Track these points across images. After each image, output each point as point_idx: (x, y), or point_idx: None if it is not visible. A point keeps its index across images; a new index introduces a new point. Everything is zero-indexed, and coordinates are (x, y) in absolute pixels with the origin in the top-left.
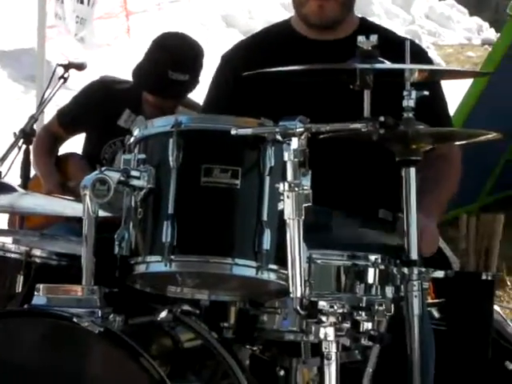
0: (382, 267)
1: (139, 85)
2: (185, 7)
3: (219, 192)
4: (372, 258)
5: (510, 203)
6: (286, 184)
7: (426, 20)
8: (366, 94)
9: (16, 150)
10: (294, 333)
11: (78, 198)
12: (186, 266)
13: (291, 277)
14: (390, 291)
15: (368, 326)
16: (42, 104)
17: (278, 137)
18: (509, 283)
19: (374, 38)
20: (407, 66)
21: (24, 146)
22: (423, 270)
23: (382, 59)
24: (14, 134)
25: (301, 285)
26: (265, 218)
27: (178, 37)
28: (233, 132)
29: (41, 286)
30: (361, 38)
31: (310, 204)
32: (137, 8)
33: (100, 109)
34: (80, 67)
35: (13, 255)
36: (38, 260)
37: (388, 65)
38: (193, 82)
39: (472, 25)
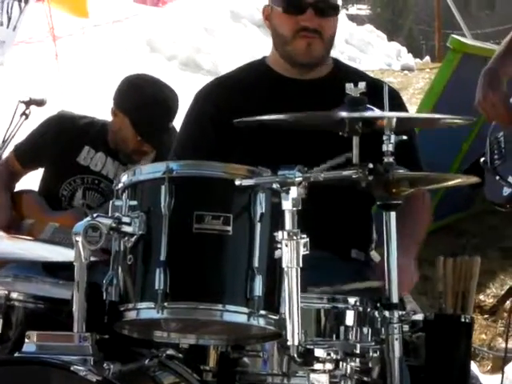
0: (361, 309)
1: (144, 138)
2: (108, 31)
3: (211, 239)
4: (351, 300)
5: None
6: (285, 233)
7: (346, 45)
8: (355, 140)
9: None
10: (275, 376)
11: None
12: (177, 313)
13: (289, 325)
14: (367, 333)
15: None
16: (4, 141)
17: (276, 186)
18: None
19: (361, 85)
20: (396, 114)
21: None
22: (404, 313)
23: (370, 106)
24: None
25: (298, 332)
26: (256, 264)
27: (168, 88)
28: (237, 183)
29: (31, 332)
30: (349, 86)
31: (307, 252)
32: (62, 32)
33: (58, 145)
34: (40, 103)
35: None
36: (17, 303)
37: (377, 113)
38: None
39: (391, 50)
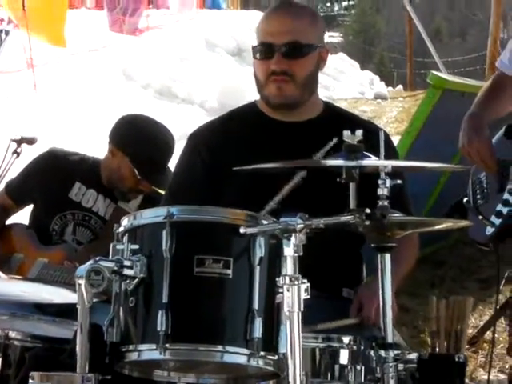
0: (355, 348)
1: (144, 177)
2: (84, 60)
3: (212, 282)
4: (346, 339)
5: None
6: (287, 278)
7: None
8: (352, 187)
9: None
10: None
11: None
12: (179, 354)
13: (291, 367)
14: (361, 371)
15: None
16: None
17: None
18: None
19: (359, 133)
20: (393, 163)
21: None
22: (399, 352)
23: (366, 153)
24: None
25: (300, 375)
26: (256, 306)
27: (165, 128)
28: (242, 231)
29: (35, 373)
30: (346, 133)
31: (308, 296)
32: (38, 61)
33: (49, 181)
34: (31, 141)
35: None
36: (16, 342)
37: (375, 161)
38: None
39: (364, 79)
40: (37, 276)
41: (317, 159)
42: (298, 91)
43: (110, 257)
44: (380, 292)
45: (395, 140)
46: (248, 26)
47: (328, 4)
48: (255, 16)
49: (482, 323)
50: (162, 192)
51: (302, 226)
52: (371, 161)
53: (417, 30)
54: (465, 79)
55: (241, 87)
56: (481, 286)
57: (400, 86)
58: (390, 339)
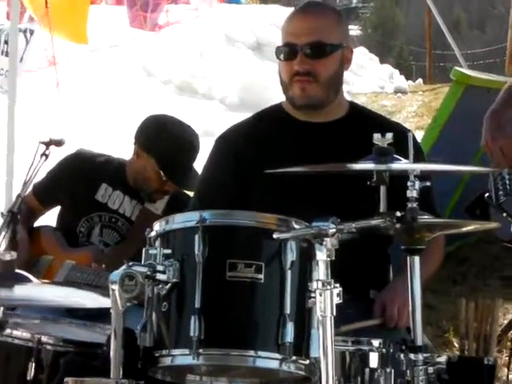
0: (384, 351)
1: (170, 178)
2: (105, 56)
3: (244, 286)
4: (375, 343)
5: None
6: (320, 283)
7: None
8: (382, 190)
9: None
10: None
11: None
12: (212, 359)
13: (324, 372)
14: (391, 375)
15: None
16: (26, 183)
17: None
18: (456, 345)
19: (389, 135)
20: (423, 166)
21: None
22: (428, 355)
23: (397, 156)
24: (1, 213)
25: (333, 380)
26: (287, 311)
27: (191, 133)
28: (275, 236)
29: (69, 379)
30: (376, 136)
31: (340, 301)
32: (59, 58)
33: (76, 183)
34: (59, 143)
35: (22, 342)
36: (48, 347)
37: (404, 164)
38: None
39: (383, 73)
40: (65, 278)
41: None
42: (322, 91)
43: (143, 261)
44: (410, 294)
45: (418, 135)
46: (267, 20)
47: None
48: (275, 10)
49: (505, 321)
50: (188, 193)
51: (334, 230)
52: (401, 164)
53: (436, 21)
54: (488, 74)
55: (261, 82)
56: (503, 284)
57: (420, 80)
58: (419, 342)
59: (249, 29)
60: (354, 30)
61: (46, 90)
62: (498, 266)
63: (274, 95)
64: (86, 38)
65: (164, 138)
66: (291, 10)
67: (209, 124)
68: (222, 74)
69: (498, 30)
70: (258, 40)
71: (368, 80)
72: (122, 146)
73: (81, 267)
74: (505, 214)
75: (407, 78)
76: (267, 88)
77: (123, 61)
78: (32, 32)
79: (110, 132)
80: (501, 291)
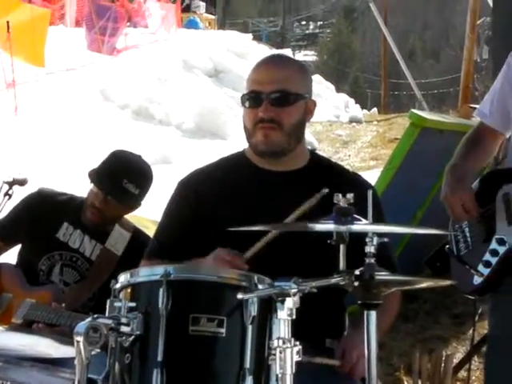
0: None
1: (97, 185)
2: (62, 79)
3: (206, 340)
4: None
5: None
6: (280, 340)
7: None
8: (342, 248)
9: None
10: None
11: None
12: None
13: None
14: None
15: None
16: None
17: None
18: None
19: (349, 196)
20: (381, 228)
21: None
22: None
23: (357, 217)
24: None
25: None
26: (247, 365)
27: (136, 155)
28: (239, 297)
29: None
30: (337, 196)
31: (300, 359)
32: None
33: (38, 221)
34: (23, 183)
35: None
36: None
37: (363, 225)
38: (139, 200)
39: (339, 101)
40: (24, 316)
41: (298, 221)
42: (285, 139)
43: (107, 314)
44: (366, 348)
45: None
46: (225, 46)
47: (303, 22)
48: (232, 36)
49: (455, 360)
50: (148, 233)
51: (295, 290)
52: (361, 225)
53: (391, 50)
54: (441, 115)
55: (218, 109)
56: (454, 322)
57: (375, 109)
58: None
59: (206, 55)
60: (310, 56)
61: (4, 114)
62: (449, 304)
63: (230, 121)
64: (43, 61)
65: (107, 161)
66: (248, 36)
67: (165, 150)
68: (179, 99)
69: (452, 60)
70: (215, 66)
71: (324, 109)
72: (76, 171)
73: (41, 306)
74: (467, 267)
75: (362, 106)
76: (223, 114)
77: (80, 84)
78: None
79: (65, 158)
80: (452, 329)
